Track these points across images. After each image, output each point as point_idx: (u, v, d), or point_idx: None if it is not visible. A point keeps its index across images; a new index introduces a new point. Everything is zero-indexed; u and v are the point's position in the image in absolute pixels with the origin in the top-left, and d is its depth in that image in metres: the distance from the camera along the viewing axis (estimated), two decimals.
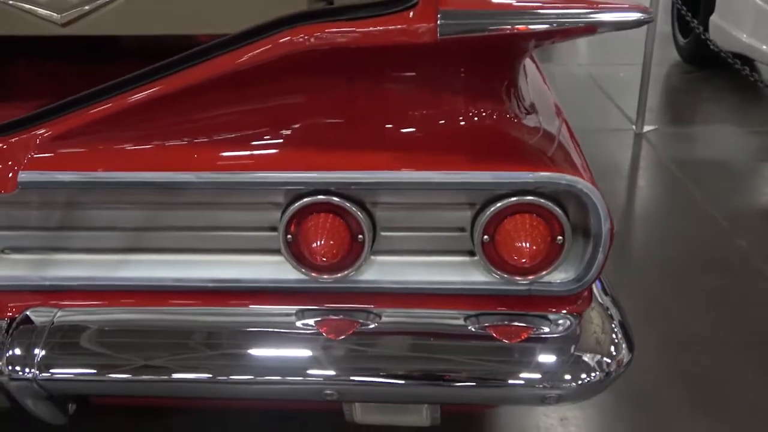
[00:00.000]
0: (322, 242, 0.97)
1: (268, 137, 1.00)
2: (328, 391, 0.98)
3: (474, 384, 0.99)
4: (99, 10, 1.54)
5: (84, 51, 1.63)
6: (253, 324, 1.03)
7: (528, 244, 0.95)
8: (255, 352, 1.01)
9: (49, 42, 1.36)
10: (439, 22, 0.85)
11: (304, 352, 1.01)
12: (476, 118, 1.00)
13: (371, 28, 0.89)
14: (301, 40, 0.90)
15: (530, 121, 1.04)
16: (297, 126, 1.00)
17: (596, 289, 1.09)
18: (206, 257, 1.05)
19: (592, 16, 0.85)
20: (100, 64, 1.54)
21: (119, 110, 0.96)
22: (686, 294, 2.14)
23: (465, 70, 0.97)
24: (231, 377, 1.00)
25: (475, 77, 0.97)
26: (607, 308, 1.08)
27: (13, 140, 0.97)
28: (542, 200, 0.96)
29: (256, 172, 0.97)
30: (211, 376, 0.99)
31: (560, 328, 1.01)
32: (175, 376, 1.00)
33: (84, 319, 1.04)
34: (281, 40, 0.91)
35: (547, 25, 0.86)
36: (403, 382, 0.98)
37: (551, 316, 1.02)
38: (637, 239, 2.60)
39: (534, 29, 0.85)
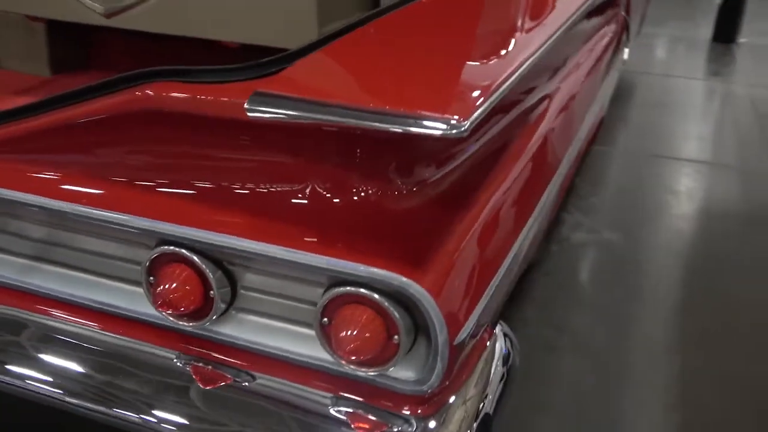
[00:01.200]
0: (176, 292, 0.98)
1: (135, 182, 1.01)
2: None
3: None
4: (136, 7, 1.63)
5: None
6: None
7: (356, 337, 0.89)
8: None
9: None
10: (246, 103, 0.80)
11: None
12: (336, 195, 0.95)
13: (209, 96, 0.86)
14: (149, 96, 0.89)
15: (402, 201, 0.96)
16: (161, 176, 1.00)
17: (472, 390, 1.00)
18: (85, 276, 1.10)
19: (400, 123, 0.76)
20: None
21: (10, 136, 1.02)
22: None
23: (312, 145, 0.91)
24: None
25: (320, 155, 0.91)
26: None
27: None
28: (375, 296, 0.89)
29: (117, 213, 0.99)
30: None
31: (395, 429, 0.94)
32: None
33: None
34: (135, 94, 0.91)
35: (355, 122, 0.78)
36: None
37: (390, 414, 0.95)
38: None
39: (340, 125, 0.78)
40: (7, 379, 1.03)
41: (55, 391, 1.02)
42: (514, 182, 1.15)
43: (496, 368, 1.03)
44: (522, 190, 1.18)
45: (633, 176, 3.33)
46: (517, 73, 0.90)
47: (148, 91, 0.90)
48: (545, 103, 1.42)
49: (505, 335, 1.13)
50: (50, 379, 1.03)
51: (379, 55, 1.02)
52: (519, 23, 1.28)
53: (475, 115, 0.75)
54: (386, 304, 0.88)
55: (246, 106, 0.79)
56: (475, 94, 0.81)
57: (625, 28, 2.78)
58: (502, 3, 1.38)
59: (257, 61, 0.91)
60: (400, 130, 0.75)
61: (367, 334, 0.88)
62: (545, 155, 1.34)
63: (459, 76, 0.93)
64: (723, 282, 2.41)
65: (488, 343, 1.06)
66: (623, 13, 2.75)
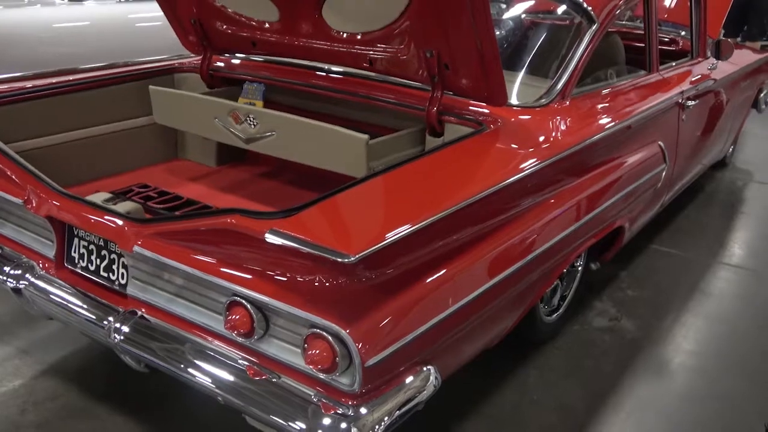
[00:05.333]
0: (234, 322, 1.88)
1: (226, 260, 1.94)
2: None
3: None
4: (263, 140, 2.61)
5: None
6: None
7: (316, 356, 1.73)
8: None
9: None
10: (266, 234, 1.68)
11: None
12: (319, 279, 1.79)
13: (256, 227, 1.76)
14: (227, 222, 1.81)
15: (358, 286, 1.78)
16: (237, 260, 1.92)
17: None
18: (197, 307, 2.03)
19: None
20: None
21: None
22: None
23: None
24: None
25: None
26: None
27: None
28: (327, 335, 1.72)
29: (216, 277, 1.92)
30: None
31: (339, 410, 1.75)
32: None
33: None
34: (222, 220, 1.83)
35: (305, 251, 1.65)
36: None
37: (336, 401, 1.77)
38: None
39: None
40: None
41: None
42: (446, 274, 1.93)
43: (406, 394, 1.81)
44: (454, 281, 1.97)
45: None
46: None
47: (227, 219, 1.81)
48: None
49: (429, 376, 1.90)
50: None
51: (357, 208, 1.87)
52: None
53: (363, 253, 1.58)
54: (331, 339, 1.70)
55: (266, 236, 1.67)
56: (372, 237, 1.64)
57: (662, 155, 3.38)
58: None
59: (284, 210, 1.78)
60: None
61: (324, 354, 1.71)
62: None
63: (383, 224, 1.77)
64: None
65: (408, 377, 1.85)
66: (659, 142, 3.36)
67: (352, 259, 1.57)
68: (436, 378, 1.90)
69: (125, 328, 2.09)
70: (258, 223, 1.72)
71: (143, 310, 2.11)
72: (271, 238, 1.65)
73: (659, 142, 3.35)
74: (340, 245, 1.60)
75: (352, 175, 2.47)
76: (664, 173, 3.41)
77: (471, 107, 2.58)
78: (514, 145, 2.38)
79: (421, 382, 1.86)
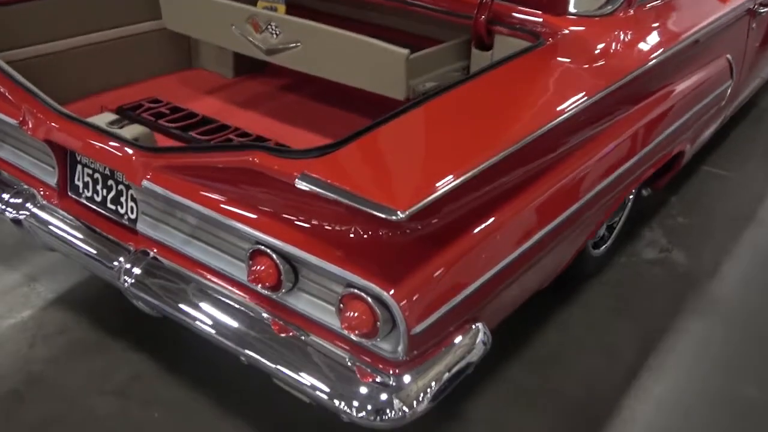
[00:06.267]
0: (260, 273, 1.64)
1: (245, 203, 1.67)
2: None
3: None
4: (286, 51, 2.29)
5: None
6: None
7: (355, 318, 1.49)
8: None
9: None
10: (297, 180, 1.41)
11: None
12: (363, 232, 1.52)
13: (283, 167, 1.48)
14: (249, 161, 1.53)
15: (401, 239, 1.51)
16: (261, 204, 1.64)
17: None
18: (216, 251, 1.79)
19: None
20: None
21: (173, 164, 1.72)
22: None
23: None
24: None
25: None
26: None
27: None
28: (368, 298, 1.48)
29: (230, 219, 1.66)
30: None
31: (378, 378, 1.53)
32: None
33: None
34: (241, 158, 1.55)
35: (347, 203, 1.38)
36: None
37: (377, 369, 1.54)
38: None
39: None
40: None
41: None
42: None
43: (454, 356, 1.58)
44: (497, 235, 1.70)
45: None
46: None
47: (250, 157, 1.53)
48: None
49: (477, 335, 1.67)
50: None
51: (398, 149, 1.57)
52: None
53: (414, 208, 1.31)
54: (374, 304, 1.46)
55: (296, 183, 1.40)
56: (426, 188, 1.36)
57: (730, 70, 3.02)
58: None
59: (317, 147, 1.50)
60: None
61: (363, 317, 1.47)
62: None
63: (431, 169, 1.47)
64: None
65: (456, 338, 1.61)
66: (727, 56, 3.00)
67: (402, 216, 1.31)
68: (486, 335, 1.67)
69: (136, 270, 1.86)
70: (286, 164, 1.46)
71: (155, 250, 1.87)
72: (302, 185, 1.39)
73: (727, 56, 2.98)
74: (386, 198, 1.33)
75: (388, 95, 2.16)
76: (729, 90, 3.06)
77: (525, 16, 2.24)
78: (576, 65, 2.06)
79: (470, 341, 1.63)
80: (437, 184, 1.40)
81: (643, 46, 2.29)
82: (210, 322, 1.69)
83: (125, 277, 1.87)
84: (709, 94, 2.83)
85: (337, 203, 1.36)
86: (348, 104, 2.45)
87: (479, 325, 1.68)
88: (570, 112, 1.80)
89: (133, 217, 1.95)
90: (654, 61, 2.21)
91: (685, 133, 2.69)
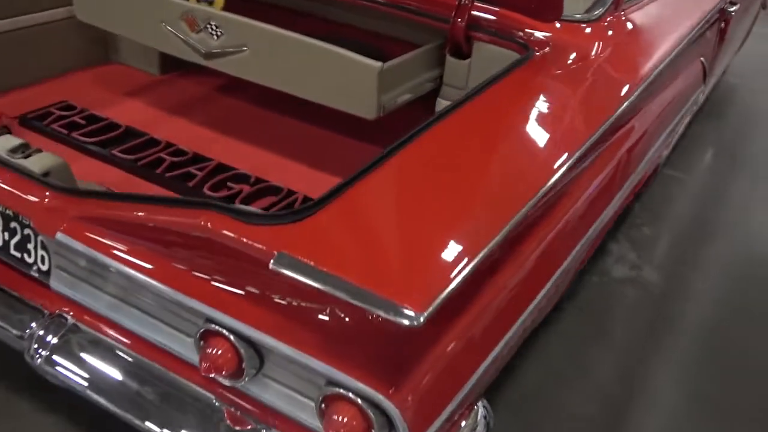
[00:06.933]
0: (217, 359, 1.28)
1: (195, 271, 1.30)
2: None
3: None
4: (230, 56, 1.91)
5: None
6: None
7: (345, 424, 1.16)
8: None
9: None
10: (272, 262, 1.07)
11: None
12: (347, 318, 1.20)
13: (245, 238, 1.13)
14: (199, 225, 1.17)
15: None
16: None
17: None
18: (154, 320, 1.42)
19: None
20: None
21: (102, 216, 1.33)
22: None
23: None
24: None
25: None
26: None
27: None
28: (360, 401, 1.15)
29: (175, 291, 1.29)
30: None
31: None
32: None
33: None
34: (191, 219, 1.18)
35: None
36: None
37: None
38: None
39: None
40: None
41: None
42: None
43: None
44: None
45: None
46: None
47: (201, 221, 1.18)
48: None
49: (478, 413, 1.38)
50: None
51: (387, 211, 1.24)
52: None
53: (432, 308, 0.99)
54: (367, 408, 1.14)
55: (271, 265, 1.06)
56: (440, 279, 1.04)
57: (703, 73, 2.83)
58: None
59: (287, 211, 1.16)
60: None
61: (354, 423, 1.15)
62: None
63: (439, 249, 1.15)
64: None
65: (460, 426, 1.32)
66: (701, 59, 2.80)
67: (421, 319, 0.98)
68: (487, 410, 1.39)
69: (51, 340, 1.47)
70: (252, 232, 1.11)
71: (72, 314, 1.49)
72: (281, 269, 1.04)
73: (701, 59, 2.77)
74: (399, 294, 1.01)
75: (355, 114, 1.83)
76: (702, 95, 2.87)
77: (509, 21, 1.93)
78: (576, 84, 1.78)
79: (472, 421, 1.35)
80: (453, 273, 1.08)
81: (641, 56, 2.04)
82: (149, 421, 1.33)
83: (37, 350, 1.48)
84: (687, 101, 2.62)
85: (328, 294, 1.03)
86: (301, 108, 2.08)
87: (480, 403, 1.39)
88: (582, 150, 1.51)
89: (44, 269, 1.55)
90: (656, 71, 1.96)
91: (665, 145, 2.48)
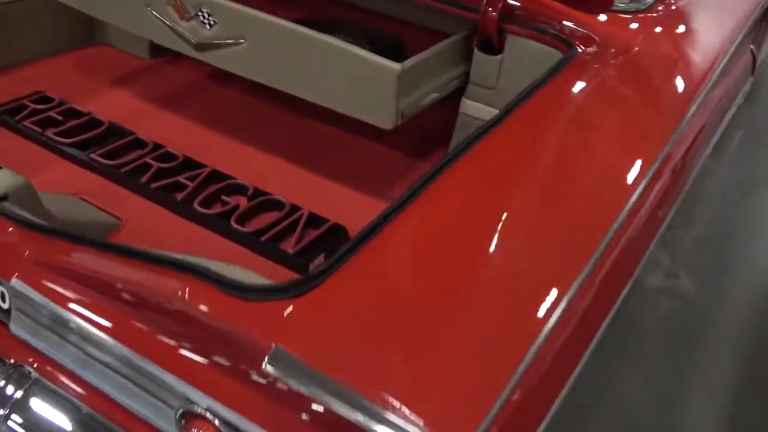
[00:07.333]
0: None
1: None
2: None
3: None
4: (225, 48, 1.65)
5: None
6: None
7: None
8: None
9: None
10: (266, 360, 0.82)
11: None
12: None
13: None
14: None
15: None
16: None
17: None
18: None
19: None
20: None
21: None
22: None
23: None
24: None
25: None
26: None
27: None
28: None
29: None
30: None
31: None
32: None
33: None
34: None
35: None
36: None
37: None
38: None
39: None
40: None
41: None
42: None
43: None
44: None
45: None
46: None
47: (178, 291, 0.93)
48: None
49: None
50: None
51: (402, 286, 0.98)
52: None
53: None
54: None
55: (265, 364, 0.81)
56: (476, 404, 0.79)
57: (753, 62, 2.56)
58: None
59: (281, 284, 0.91)
60: None
61: None
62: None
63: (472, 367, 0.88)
64: None
65: None
66: (752, 46, 2.52)
67: None
68: None
69: (14, 393, 1.25)
70: (237, 308, 0.87)
71: (36, 365, 1.26)
72: (276, 371, 0.80)
73: (751, 47, 2.50)
74: (434, 423, 0.75)
75: (370, 122, 1.57)
76: (750, 87, 2.60)
77: (548, 12, 1.67)
78: (632, 83, 1.52)
79: None
80: (494, 389, 0.83)
81: (698, 50, 1.77)
82: None
83: None
84: (738, 92, 2.36)
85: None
86: (307, 102, 1.80)
87: None
88: (657, 164, 1.26)
89: (4, 306, 1.32)
90: (719, 66, 1.69)
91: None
